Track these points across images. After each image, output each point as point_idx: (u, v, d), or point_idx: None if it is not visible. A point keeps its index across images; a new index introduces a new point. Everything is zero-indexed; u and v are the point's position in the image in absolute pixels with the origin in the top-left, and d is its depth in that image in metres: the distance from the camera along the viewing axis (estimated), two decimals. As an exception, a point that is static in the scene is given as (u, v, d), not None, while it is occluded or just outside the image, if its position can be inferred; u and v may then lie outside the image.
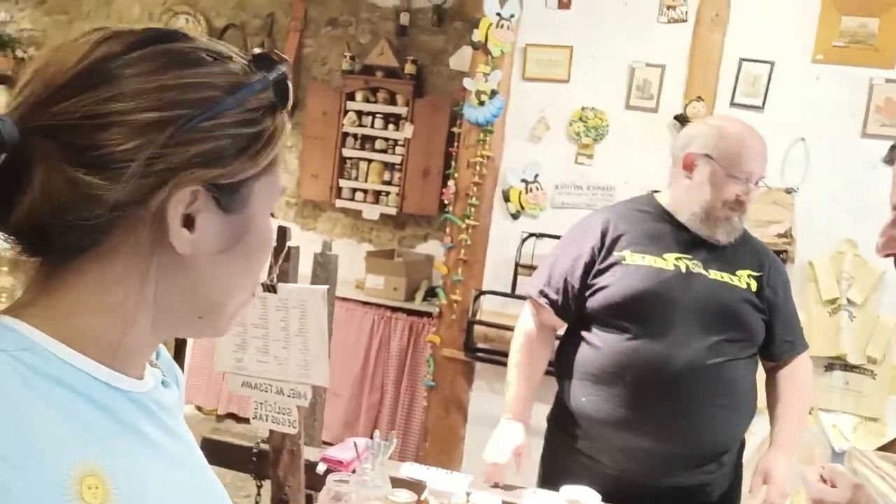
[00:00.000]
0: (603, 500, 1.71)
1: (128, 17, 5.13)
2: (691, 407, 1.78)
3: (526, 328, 2.01)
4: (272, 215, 0.67)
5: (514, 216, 3.20)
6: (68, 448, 0.54)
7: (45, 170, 0.54)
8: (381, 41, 4.54)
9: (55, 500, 0.52)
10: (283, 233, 1.87)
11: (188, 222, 0.58)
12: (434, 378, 3.29)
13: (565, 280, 1.90)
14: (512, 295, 3.13)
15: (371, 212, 4.58)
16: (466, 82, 3.17)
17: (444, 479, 1.88)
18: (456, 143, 3.25)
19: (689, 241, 1.86)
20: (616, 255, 1.86)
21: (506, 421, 1.95)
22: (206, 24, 4.97)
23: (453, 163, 3.26)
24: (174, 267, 0.60)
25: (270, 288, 1.79)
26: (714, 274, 1.83)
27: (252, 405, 1.85)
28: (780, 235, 2.77)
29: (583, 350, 1.89)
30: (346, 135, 4.62)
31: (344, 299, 4.25)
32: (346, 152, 4.62)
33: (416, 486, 1.79)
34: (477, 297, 3.17)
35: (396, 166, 4.55)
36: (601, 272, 1.86)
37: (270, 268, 1.88)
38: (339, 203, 4.67)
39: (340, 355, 4.25)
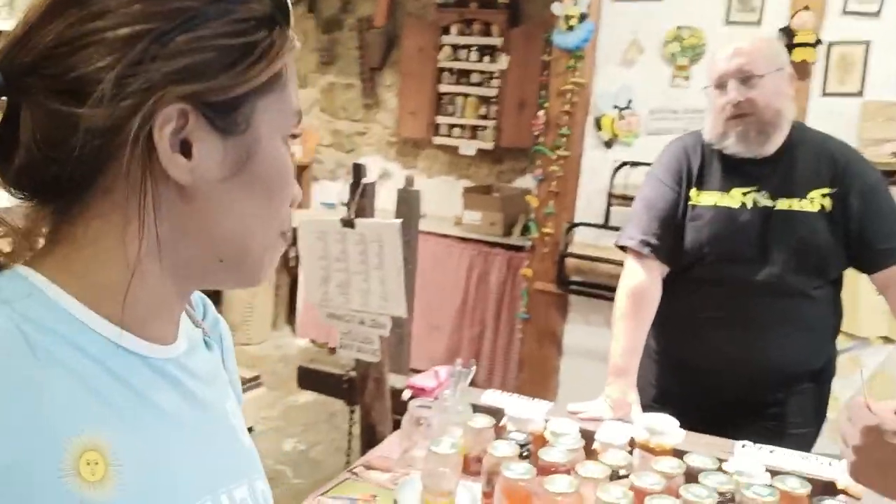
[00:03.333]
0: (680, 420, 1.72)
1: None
2: (757, 335, 1.80)
3: (631, 281, 1.90)
4: (291, 140, 0.62)
5: (607, 144, 3.11)
6: (69, 419, 0.50)
7: (29, 106, 0.53)
8: (473, -30, 4.45)
9: (48, 474, 0.48)
10: (358, 169, 1.92)
11: (185, 149, 0.54)
12: (528, 311, 3.30)
13: (661, 223, 1.87)
14: (605, 226, 3.07)
15: (468, 147, 4.57)
16: (554, 7, 3.06)
17: (524, 406, 1.91)
18: (546, 72, 3.17)
19: (754, 169, 1.80)
20: (689, 192, 1.86)
21: (606, 389, 1.88)
22: (303, -34, 5.03)
23: (543, 92, 3.19)
24: (179, 202, 0.55)
25: (349, 223, 1.85)
26: (782, 203, 1.78)
27: (338, 335, 1.94)
28: (894, 154, 2.55)
29: (677, 297, 1.90)
30: (441, 70, 4.60)
31: (443, 235, 4.31)
32: (443, 88, 4.61)
33: (497, 413, 1.83)
34: (569, 230, 3.13)
35: (492, 100, 4.50)
36: (683, 214, 1.86)
37: (349, 204, 1.94)
38: (436, 140, 4.68)
39: (440, 290, 4.33)
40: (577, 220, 3.17)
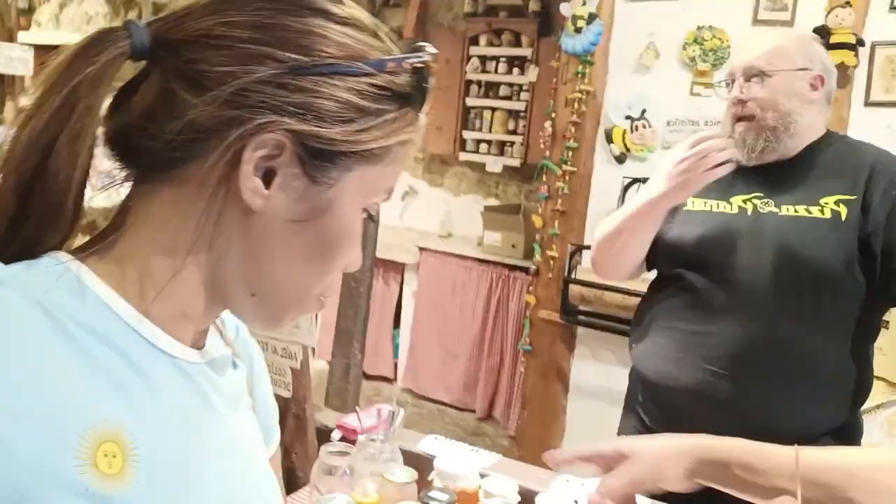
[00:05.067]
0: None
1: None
2: (752, 388, 1.45)
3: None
4: (370, 218, 0.61)
5: (619, 159, 2.79)
6: (89, 408, 0.49)
7: (155, 77, 0.54)
8: (504, -22, 4.21)
9: (63, 463, 0.47)
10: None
11: (267, 177, 0.54)
12: (531, 342, 3.00)
13: None
14: (614, 250, 2.75)
15: (495, 164, 4.30)
16: (562, 8, 2.79)
17: (458, 458, 1.62)
18: (554, 79, 2.89)
19: (762, 177, 1.54)
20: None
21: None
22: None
23: (551, 101, 2.90)
24: (240, 223, 0.56)
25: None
26: (787, 210, 1.48)
27: (253, 364, 1.71)
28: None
29: (648, 302, 1.66)
30: (469, 83, 4.37)
31: (462, 257, 4.06)
32: (470, 101, 4.37)
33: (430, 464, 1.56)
34: (574, 253, 2.82)
35: (521, 114, 4.22)
36: (667, 222, 1.61)
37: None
38: (463, 156, 4.44)
39: (459, 315, 4.08)
40: (586, 243, 2.85)
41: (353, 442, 1.58)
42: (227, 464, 0.61)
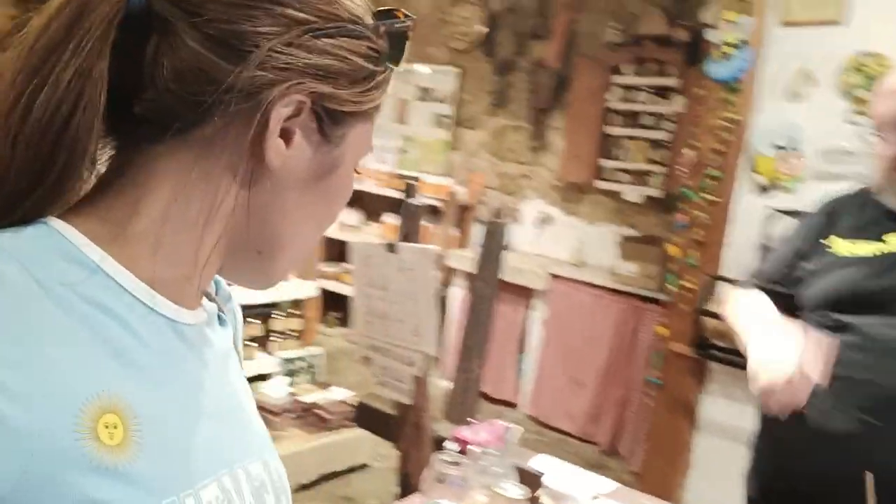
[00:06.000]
0: None
1: (415, 7, 5.41)
2: (886, 436, 1.37)
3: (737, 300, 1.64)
4: (356, 172, 0.63)
5: (764, 190, 2.66)
6: (89, 380, 0.48)
7: (164, 36, 0.51)
8: (651, 7, 4.16)
9: (65, 437, 0.46)
10: (409, 189, 1.76)
11: (285, 136, 0.55)
12: (662, 376, 2.89)
13: (780, 267, 1.63)
14: (753, 284, 2.61)
15: (633, 193, 4.22)
16: (710, 34, 2.72)
17: (569, 478, 1.60)
18: (698, 107, 2.81)
19: None
20: (825, 240, 1.54)
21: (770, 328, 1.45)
22: (487, 9, 5.03)
23: (694, 129, 2.82)
24: (258, 184, 0.56)
25: (391, 247, 1.69)
26: None
27: (376, 369, 1.77)
28: None
29: None
30: (608, 111, 4.33)
31: (594, 286, 4.00)
32: (609, 130, 4.32)
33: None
34: (710, 284, 2.70)
35: (665, 143, 4.13)
36: (810, 259, 1.55)
37: (400, 228, 1.78)
38: (600, 185, 4.39)
39: (587, 344, 4.01)
40: (723, 274, 2.73)
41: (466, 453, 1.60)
42: (228, 425, 0.60)
